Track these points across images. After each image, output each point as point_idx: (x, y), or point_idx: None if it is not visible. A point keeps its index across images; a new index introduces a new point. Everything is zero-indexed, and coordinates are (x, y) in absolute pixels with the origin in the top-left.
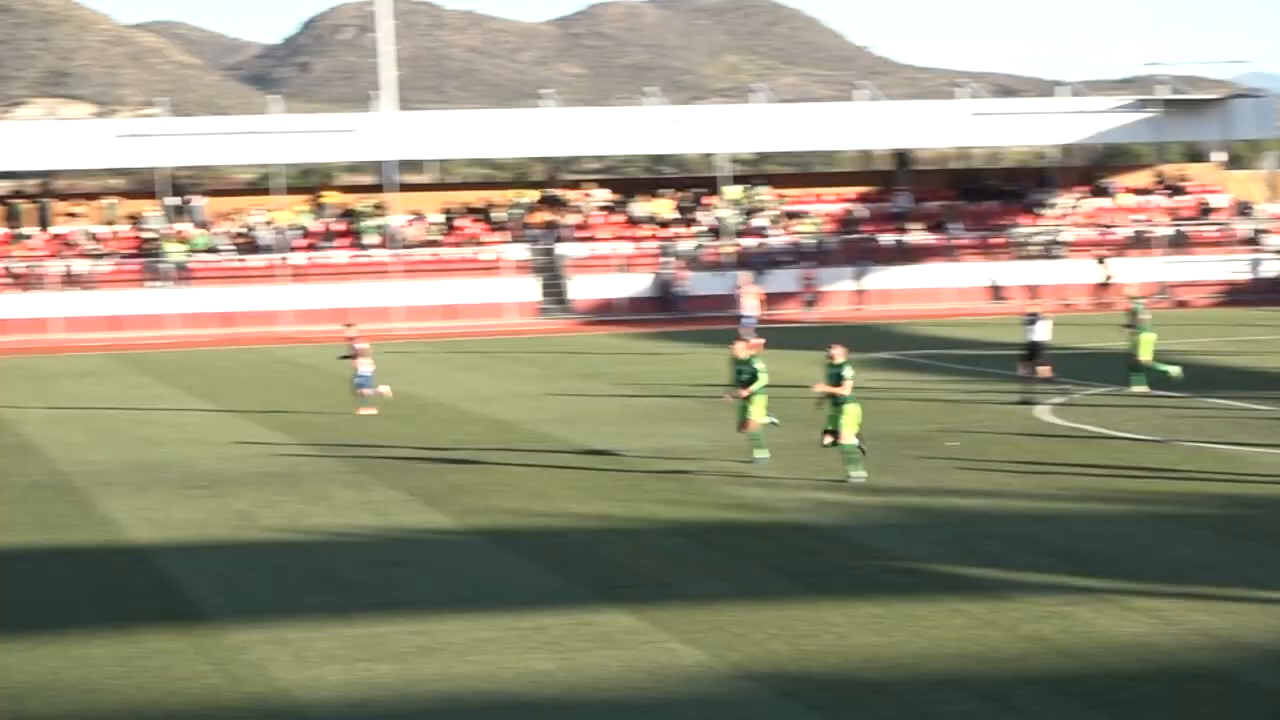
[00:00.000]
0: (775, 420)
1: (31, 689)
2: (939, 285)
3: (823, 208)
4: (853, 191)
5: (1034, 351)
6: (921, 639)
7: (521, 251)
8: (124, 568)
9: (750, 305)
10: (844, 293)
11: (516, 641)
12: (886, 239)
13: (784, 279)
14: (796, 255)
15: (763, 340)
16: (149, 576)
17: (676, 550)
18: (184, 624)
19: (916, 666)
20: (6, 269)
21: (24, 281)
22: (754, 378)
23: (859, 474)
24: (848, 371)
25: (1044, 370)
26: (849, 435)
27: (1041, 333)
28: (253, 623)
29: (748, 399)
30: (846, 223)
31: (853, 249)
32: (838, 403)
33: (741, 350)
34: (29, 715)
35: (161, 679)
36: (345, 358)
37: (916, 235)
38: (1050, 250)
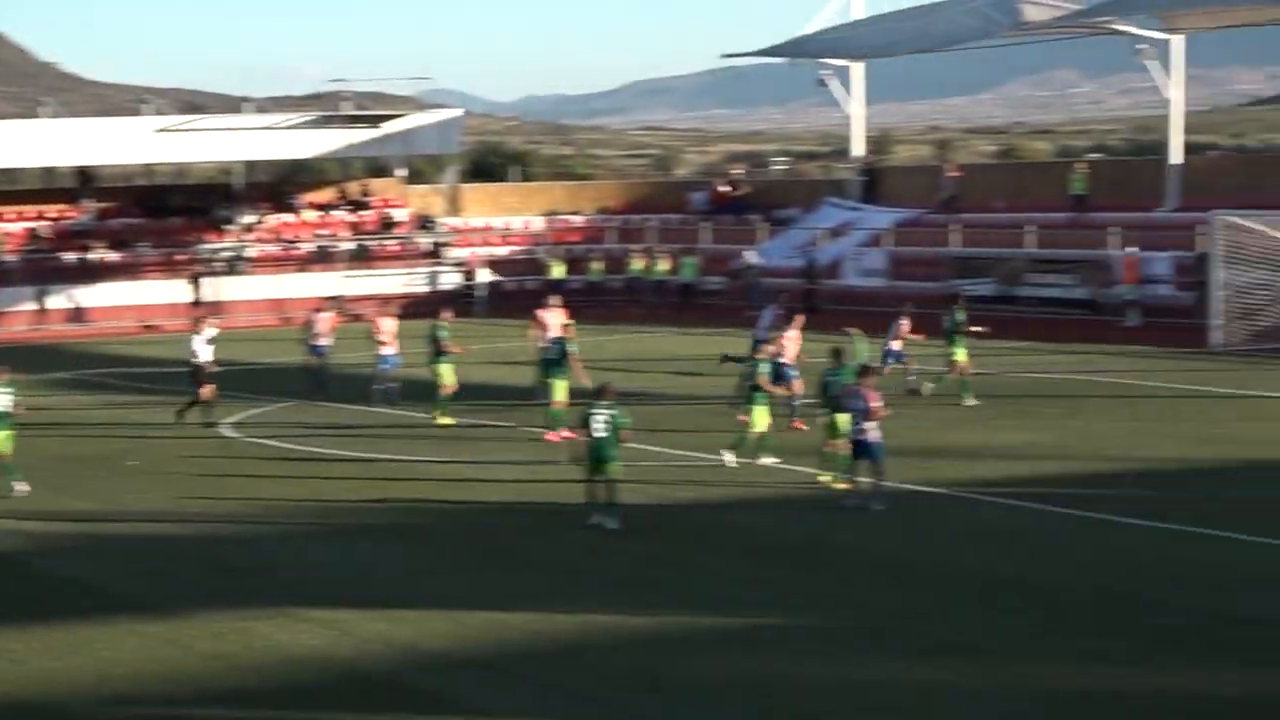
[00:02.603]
0: None
1: None
2: (125, 303)
3: (5, 226)
4: (36, 210)
5: (198, 372)
6: (96, 661)
7: None
8: None
9: None
10: (26, 313)
11: None
12: (70, 258)
13: None
14: None
15: None
16: None
17: None
18: None
19: (93, 690)
20: None
21: None
22: None
23: None
24: None
25: (207, 391)
26: None
27: (203, 353)
28: None
29: None
30: (30, 241)
31: (36, 268)
32: None
33: None
34: None
35: None
36: None
37: (101, 253)
38: (235, 267)
